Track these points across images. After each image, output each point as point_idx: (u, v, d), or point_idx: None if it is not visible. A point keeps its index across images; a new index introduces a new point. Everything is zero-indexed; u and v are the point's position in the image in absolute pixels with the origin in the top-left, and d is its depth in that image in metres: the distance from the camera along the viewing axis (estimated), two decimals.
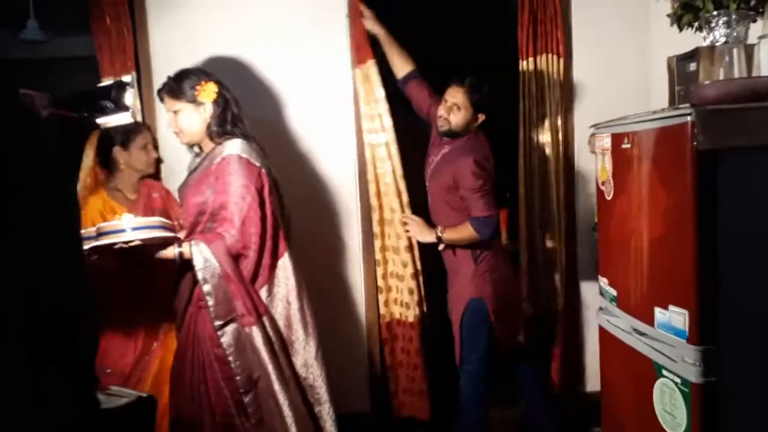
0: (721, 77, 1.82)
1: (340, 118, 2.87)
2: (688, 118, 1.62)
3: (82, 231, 1.96)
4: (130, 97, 2.06)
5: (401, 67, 2.73)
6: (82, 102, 2.04)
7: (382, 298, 2.86)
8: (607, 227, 2.17)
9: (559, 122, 2.80)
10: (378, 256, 2.83)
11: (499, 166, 2.56)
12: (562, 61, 2.78)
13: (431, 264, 2.77)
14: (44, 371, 1.00)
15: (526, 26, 2.76)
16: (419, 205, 2.74)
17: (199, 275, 1.99)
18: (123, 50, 2.77)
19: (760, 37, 1.83)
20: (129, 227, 1.90)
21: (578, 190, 2.88)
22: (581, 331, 2.95)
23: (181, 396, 2.12)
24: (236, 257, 2.04)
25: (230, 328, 2.03)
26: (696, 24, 2.00)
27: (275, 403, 2.05)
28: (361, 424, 2.80)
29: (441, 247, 2.56)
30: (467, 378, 2.55)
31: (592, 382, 2.88)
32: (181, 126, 2.14)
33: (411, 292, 2.79)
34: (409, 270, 2.79)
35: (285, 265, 2.16)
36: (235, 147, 2.09)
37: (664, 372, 1.80)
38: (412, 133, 2.85)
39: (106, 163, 2.55)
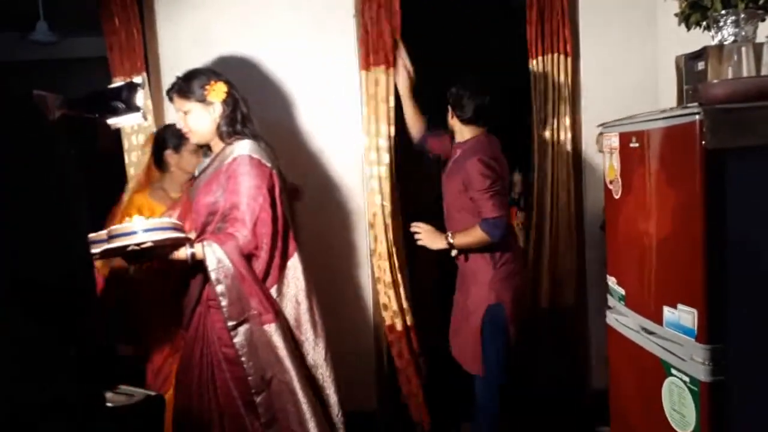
0: (730, 76, 1.82)
1: (347, 118, 2.88)
2: (697, 117, 1.62)
3: (94, 235, 1.98)
4: (141, 97, 2.07)
5: (416, 127, 2.78)
6: (93, 103, 2.06)
7: (382, 301, 2.87)
8: (615, 226, 2.18)
9: (568, 121, 2.80)
10: (373, 261, 2.85)
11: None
12: (569, 60, 2.78)
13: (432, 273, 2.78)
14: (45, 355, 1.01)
15: (534, 25, 2.76)
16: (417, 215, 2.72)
17: (213, 276, 1.99)
18: (133, 50, 2.80)
19: None
20: (140, 229, 1.90)
21: (586, 189, 2.88)
22: (589, 330, 2.96)
23: (188, 396, 2.12)
24: (248, 257, 2.05)
25: (243, 329, 2.03)
26: (704, 23, 2.00)
27: (294, 400, 2.05)
28: (368, 422, 2.81)
29: (454, 253, 2.51)
30: (487, 386, 2.50)
31: (599, 379, 2.89)
32: (191, 126, 2.14)
33: (407, 297, 2.80)
34: (388, 278, 2.80)
35: (295, 265, 2.16)
36: (246, 147, 2.09)
37: (673, 371, 1.80)
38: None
39: (159, 163, 2.58)
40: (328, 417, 2.17)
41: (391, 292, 2.82)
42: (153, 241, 1.90)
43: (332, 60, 2.87)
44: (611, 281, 2.21)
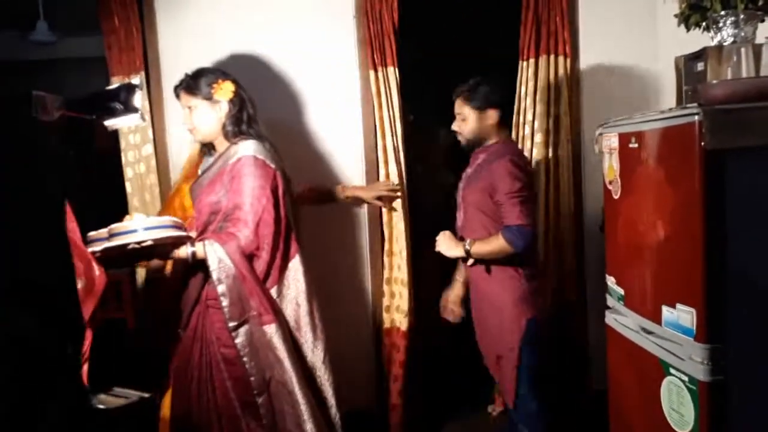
0: (729, 77, 1.82)
1: (348, 118, 2.88)
2: (696, 117, 1.63)
3: (94, 233, 1.98)
4: (139, 99, 2.08)
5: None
6: (92, 104, 2.06)
7: (385, 302, 2.87)
8: (614, 226, 2.18)
9: (567, 122, 2.81)
10: (386, 259, 2.84)
11: None
12: (568, 61, 2.79)
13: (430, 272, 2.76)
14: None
15: (529, 26, 2.76)
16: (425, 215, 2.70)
17: (214, 275, 1.98)
18: (132, 49, 2.79)
19: None
20: (141, 227, 1.89)
21: (585, 190, 2.88)
22: (588, 330, 2.96)
23: (186, 397, 2.11)
24: (249, 258, 2.04)
25: (244, 329, 2.02)
26: (704, 24, 2.00)
27: (292, 401, 2.04)
28: (366, 422, 2.81)
29: (470, 262, 2.31)
30: (532, 414, 2.33)
31: (599, 380, 2.89)
32: (195, 123, 2.14)
33: (401, 296, 2.81)
34: (393, 276, 2.81)
35: (296, 267, 2.16)
36: (250, 148, 2.09)
37: (672, 370, 1.80)
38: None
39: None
40: (326, 418, 2.17)
41: (393, 291, 2.82)
42: (153, 240, 1.90)
43: (333, 60, 2.87)
44: (610, 281, 2.21)
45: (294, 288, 2.15)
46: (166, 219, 2.02)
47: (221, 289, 1.98)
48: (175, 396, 2.18)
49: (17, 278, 0.97)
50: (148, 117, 2.75)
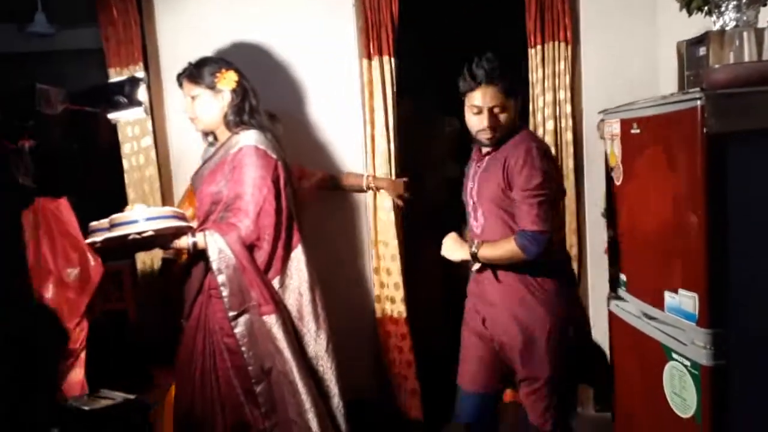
0: (731, 61, 1.82)
1: (348, 107, 2.87)
2: (698, 102, 1.62)
3: (96, 223, 1.98)
4: (143, 92, 2.08)
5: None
6: (96, 97, 2.07)
7: (375, 291, 2.87)
8: (616, 212, 2.18)
9: (568, 109, 2.80)
10: (373, 249, 2.85)
11: None
12: (570, 47, 2.77)
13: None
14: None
15: (534, 13, 2.75)
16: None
17: (214, 266, 1.99)
18: (130, 42, 2.77)
19: None
20: (142, 218, 1.90)
21: (587, 176, 2.88)
22: (590, 317, 2.97)
23: (190, 386, 2.12)
24: (250, 248, 2.05)
25: (243, 319, 2.03)
26: (705, 8, 1.99)
27: (293, 390, 2.06)
28: (367, 411, 2.81)
29: (476, 266, 2.01)
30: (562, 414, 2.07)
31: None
32: (198, 112, 2.14)
33: (397, 287, 2.81)
34: (384, 266, 2.80)
35: (298, 257, 2.16)
36: (252, 138, 2.09)
37: (674, 355, 1.81)
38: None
39: None
40: (329, 408, 2.18)
41: (382, 281, 2.83)
42: (154, 230, 1.90)
43: (333, 49, 2.85)
44: (612, 267, 2.22)
45: (297, 278, 2.15)
46: (167, 209, 2.02)
47: (221, 279, 2.00)
48: (178, 385, 2.19)
49: None
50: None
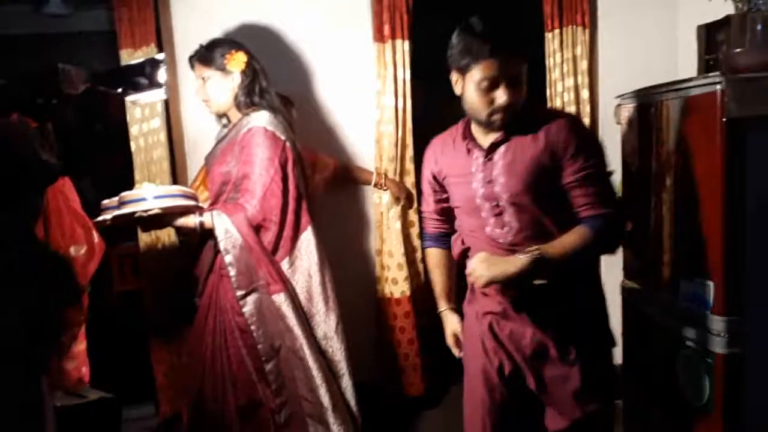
0: (752, 45, 1.78)
1: (361, 89, 2.85)
2: (718, 86, 1.60)
3: (107, 201, 2.01)
4: (164, 74, 2.08)
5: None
6: (117, 78, 2.07)
7: (376, 273, 2.86)
8: (632, 198, 2.16)
9: (586, 94, 2.76)
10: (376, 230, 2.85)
11: None
12: (587, 32, 2.74)
13: None
14: None
15: None
16: None
17: (221, 245, 2.01)
18: (144, 23, 2.76)
19: None
20: (150, 196, 1.92)
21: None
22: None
23: (201, 364, 2.14)
24: (257, 229, 2.06)
25: (252, 298, 2.05)
26: None
27: (303, 366, 2.08)
28: (372, 394, 2.82)
29: (540, 281, 1.55)
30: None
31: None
32: (209, 94, 2.16)
33: (400, 267, 2.81)
34: (387, 247, 2.80)
35: (308, 238, 2.17)
36: (261, 119, 2.09)
37: (688, 343, 1.80)
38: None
39: None
40: (339, 387, 2.20)
41: (384, 263, 2.83)
42: (162, 208, 1.92)
43: (346, 32, 2.83)
44: (627, 254, 2.20)
45: (306, 259, 2.16)
46: (175, 188, 2.05)
47: (228, 258, 2.02)
48: (190, 364, 2.22)
49: None
50: None
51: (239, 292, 2.04)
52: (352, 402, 2.22)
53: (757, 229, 1.63)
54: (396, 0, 2.72)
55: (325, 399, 2.09)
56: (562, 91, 2.77)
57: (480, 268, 1.53)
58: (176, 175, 2.88)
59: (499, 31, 1.54)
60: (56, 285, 1.47)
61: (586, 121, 2.77)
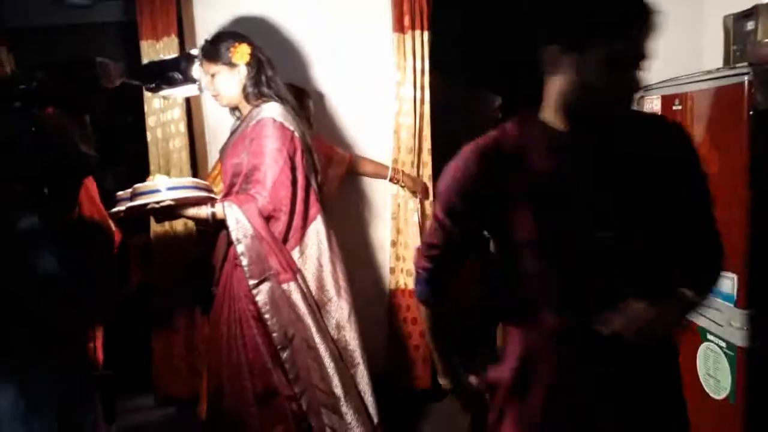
0: None
1: (380, 82, 2.85)
2: (746, 77, 1.58)
3: (121, 193, 2.04)
4: (197, 69, 2.10)
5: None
6: (152, 73, 2.09)
7: (390, 264, 2.88)
8: None
9: None
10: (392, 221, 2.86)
11: None
12: None
13: None
14: None
15: None
16: None
17: (233, 235, 2.04)
18: (166, 14, 2.79)
19: None
20: (163, 187, 1.95)
21: None
22: None
23: (217, 353, 2.17)
24: (267, 219, 2.08)
25: (265, 287, 2.07)
26: None
27: (314, 356, 2.09)
28: (381, 386, 2.83)
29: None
30: None
31: None
32: (218, 89, 2.16)
33: None
34: (402, 239, 2.81)
35: (318, 228, 2.18)
36: (270, 110, 2.11)
37: (709, 336, 1.79)
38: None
39: None
40: (354, 377, 2.20)
41: (398, 254, 2.84)
42: (174, 200, 1.94)
43: (366, 23, 2.83)
44: None
45: (316, 249, 2.18)
46: (188, 180, 2.07)
47: (240, 248, 2.04)
48: (208, 352, 2.25)
49: None
50: None
51: (252, 282, 2.06)
52: (368, 392, 2.22)
53: None
54: None
55: (338, 389, 2.10)
56: None
57: (634, 324, 1.11)
58: (196, 165, 2.91)
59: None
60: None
61: None
